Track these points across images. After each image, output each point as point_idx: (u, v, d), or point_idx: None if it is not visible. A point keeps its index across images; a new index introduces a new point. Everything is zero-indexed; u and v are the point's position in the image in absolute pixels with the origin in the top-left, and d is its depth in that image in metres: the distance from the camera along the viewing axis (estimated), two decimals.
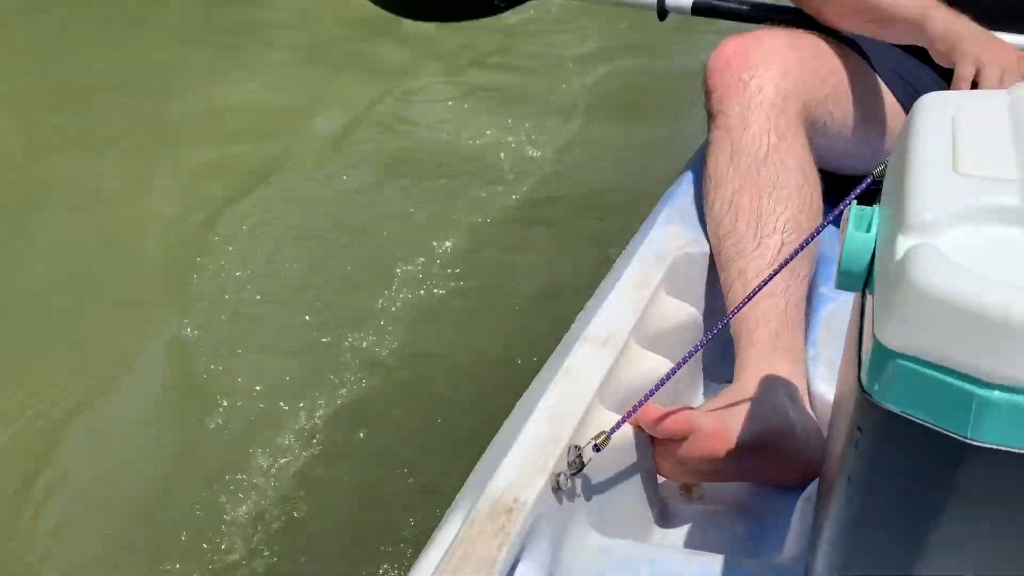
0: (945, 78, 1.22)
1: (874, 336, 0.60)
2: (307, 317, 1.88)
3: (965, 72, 0.99)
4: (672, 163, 1.32)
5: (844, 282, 0.67)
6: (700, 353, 1.13)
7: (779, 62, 1.06)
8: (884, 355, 0.59)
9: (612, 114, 2.63)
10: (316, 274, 2.01)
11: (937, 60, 1.05)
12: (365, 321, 1.83)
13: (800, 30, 1.18)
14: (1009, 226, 0.60)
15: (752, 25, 1.30)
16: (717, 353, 1.11)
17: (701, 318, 1.08)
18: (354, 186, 2.36)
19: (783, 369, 0.97)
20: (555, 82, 2.91)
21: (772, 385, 0.95)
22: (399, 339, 1.79)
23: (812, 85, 1.09)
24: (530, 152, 2.43)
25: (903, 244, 0.59)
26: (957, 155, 0.65)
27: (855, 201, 0.76)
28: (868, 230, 0.67)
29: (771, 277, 0.84)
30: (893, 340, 0.58)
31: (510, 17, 2.10)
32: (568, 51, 3.10)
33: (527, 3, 1.56)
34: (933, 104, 0.71)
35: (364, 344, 1.76)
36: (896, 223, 0.62)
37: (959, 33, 1.00)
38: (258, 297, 1.94)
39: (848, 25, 1.16)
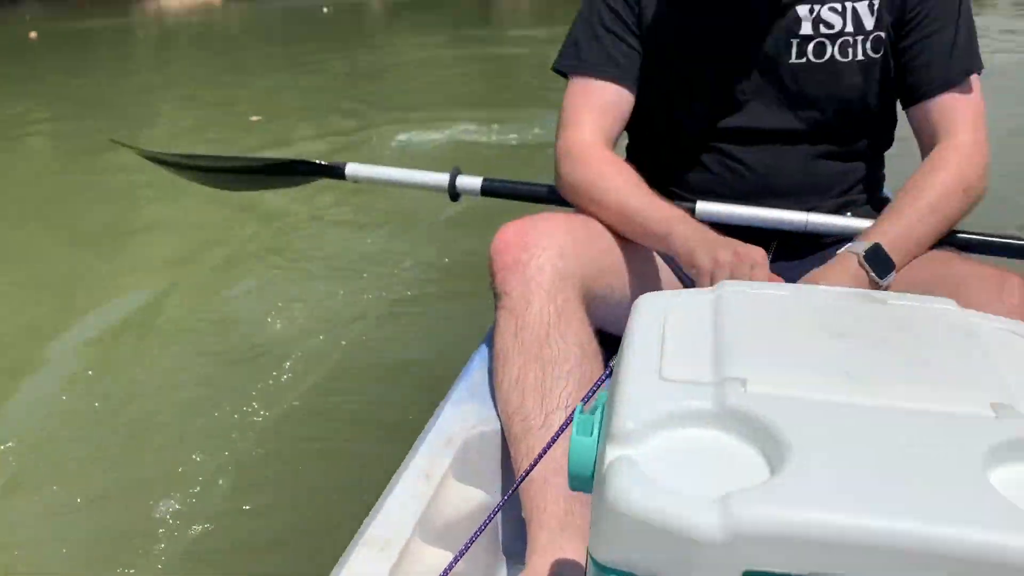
0: None
1: (588, 549, 0.61)
2: (74, 529, 1.66)
3: (702, 283, 1.05)
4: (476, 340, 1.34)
5: (575, 484, 0.69)
6: (500, 537, 1.12)
7: (555, 243, 1.12)
8: (597, 568, 0.60)
9: (422, 287, 2.59)
10: (87, 476, 1.80)
11: (685, 270, 1.12)
12: (139, 527, 1.63)
13: (579, 213, 1.25)
14: (703, 429, 0.64)
15: (540, 205, 1.39)
16: (521, 533, 1.10)
17: (495, 502, 1.08)
18: (147, 366, 2.19)
19: (572, 550, 0.97)
20: (361, 254, 2.87)
21: (560, 571, 0.95)
22: (175, 551, 1.57)
23: (588, 262, 1.15)
24: (334, 329, 2.31)
25: (609, 455, 0.62)
26: (664, 359, 0.69)
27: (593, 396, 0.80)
28: (591, 434, 0.70)
29: (539, 459, 0.85)
30: (602, 554, 0.59)
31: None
32: (371, 220, 3.12)
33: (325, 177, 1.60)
34: (648, 305, 0.77)
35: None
36: (607, 432, 0.65)
37: (695, 246, 1.07)
38: (34, 492, 1.75)
39: (620, 232, 1.22)
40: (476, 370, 1.21)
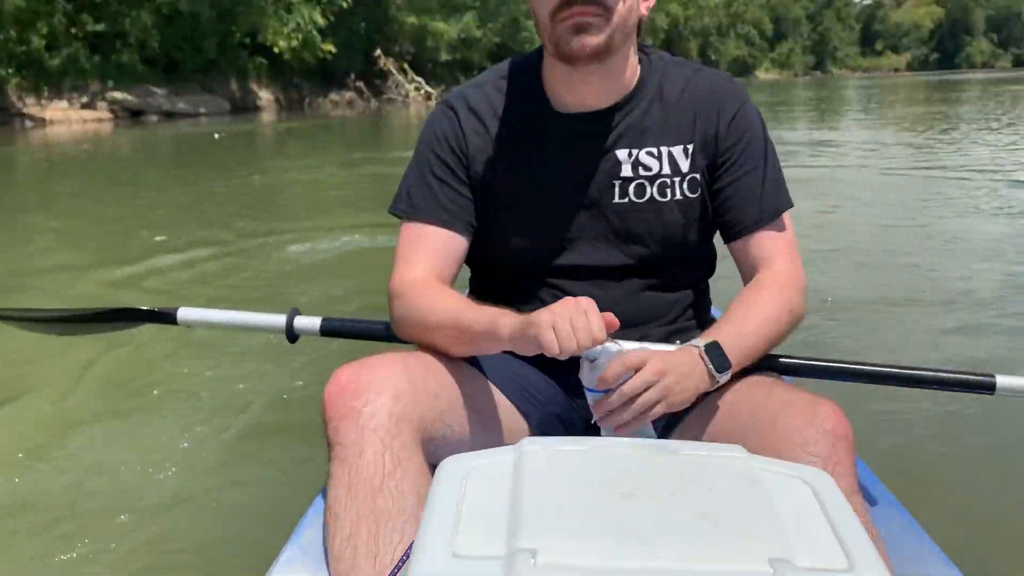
0: (549, 373, 1.33)
1: None
2: None
3: (546, 339, 1.03)
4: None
5: None
6: None
7: (390, 386, 1.09)
8: None
9: (258, 434, 2.36)
10: None
11: (522, 352, 1.11)
12: None
13: (416, 351, 1.23)
14: None
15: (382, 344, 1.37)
16: None
17: None
18: None
19: None
20: (192, 395, 2.67)
21: None
22: None
23: (425, 404, 1.12)
24: (154, 482, 2.08)
25: None
26: (459, 531, 0.67)
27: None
28: None
29: None
30: None
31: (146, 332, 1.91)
32: (206, 356, 2.95)
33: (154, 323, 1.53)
34: (449, 471, 0.75)
35: None
36: None
37: (526, 320, 1.08)
38: None
39: (453, 352, 1.23)
40: (310, 526, 1.15)
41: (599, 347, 1.03)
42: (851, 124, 16.20)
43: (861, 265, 4.34)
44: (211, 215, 6.67)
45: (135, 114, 24.21)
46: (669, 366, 1.08)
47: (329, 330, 1.40)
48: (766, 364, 1.25)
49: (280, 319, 1.41)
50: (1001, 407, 2.21)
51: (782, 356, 1.28)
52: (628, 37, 1.24)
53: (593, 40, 1.18)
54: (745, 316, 1.21)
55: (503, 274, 1.37)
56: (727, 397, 1.16)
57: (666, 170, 1.29)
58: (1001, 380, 1.23)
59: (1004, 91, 27.73)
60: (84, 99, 23.80)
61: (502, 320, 1.12)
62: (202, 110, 25.86)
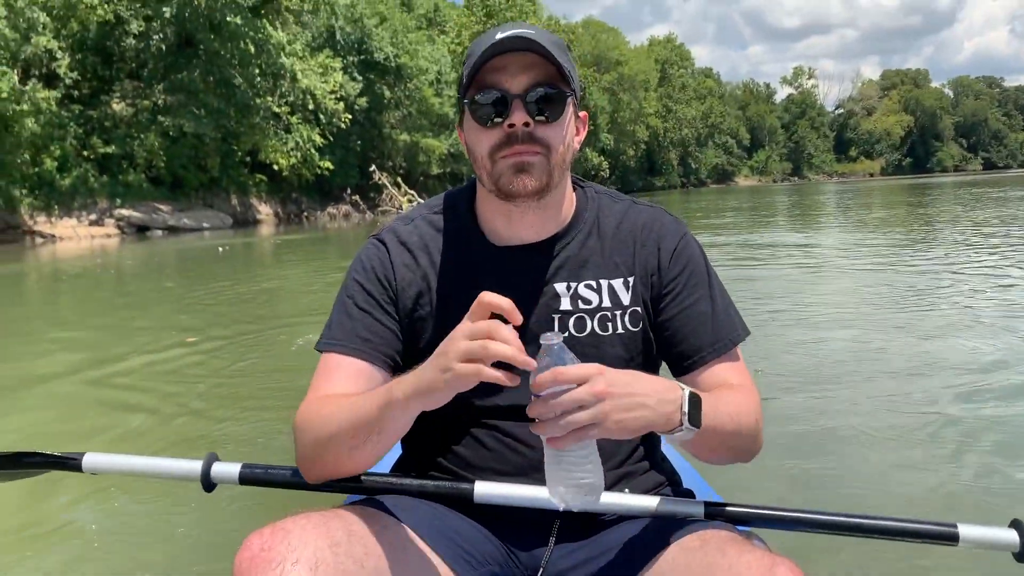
0: (485, 523, 1.23)
1: None
2: None
3: (461, 375, 1.00)
4: None
5: None
6: None
7: (308, 553, 1.00)
8: None
9: None
10: None
11: (439, 401, 1.04)
12: None
13: (341, 508, 1.14)
14: None
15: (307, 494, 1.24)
16: None
17: None
18: None
19: None
20: (85, 558, 2.35)
21: None
22: None
23: (348, 571, 1.02)
24: None
25: None
26: None
27: None
28: None
29: None
30: None
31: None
32: (102, 505, 2.66)
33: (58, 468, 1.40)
34: None
35: None
36: None
37: (425, 367, 1.03)
38: None
39: (359, 457, 1.14)
40: None
41: (548, 345, 0.99)
42: (827, 227, 16.52)
43: (816, 384, 3.93)
44: (227, 316, 7.14)
45: (141, 229, 25.12)
46: (617, 389, 1.00)
47: (249, 479, 1.27)
48: (716, 513, 1.16)
49: (194, 465, 1.30)
50: (969, 555, 1.92)
51: (734, 505, 1.17)
52: (565, 172, 1.25)
53: (533, 181, 1.18)
54: (720, 398, 1.16)
55: (439, 414, 1.17)
56: (679, 557, 1.09)
57: (606, 303, 1.26)
58: (964, 530, 1.11)
59: (970, 193, 28.63)
60: (92, 216, 24.72)
61: (394, 388, 1.07)
62: (205, 224, 26.77)
